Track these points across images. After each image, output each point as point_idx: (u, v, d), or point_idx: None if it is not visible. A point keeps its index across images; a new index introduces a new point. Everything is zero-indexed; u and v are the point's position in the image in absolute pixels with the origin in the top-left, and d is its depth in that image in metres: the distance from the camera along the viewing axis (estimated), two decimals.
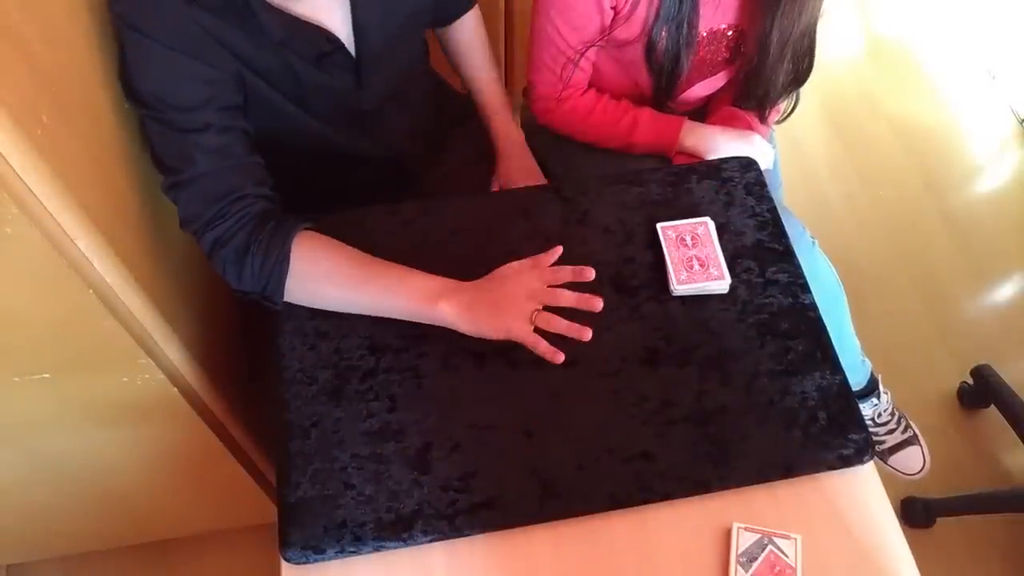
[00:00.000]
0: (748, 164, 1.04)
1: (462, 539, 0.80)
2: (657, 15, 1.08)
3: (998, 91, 2.24)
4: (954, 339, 1.80)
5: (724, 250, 0.94)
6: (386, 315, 0.89)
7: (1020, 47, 2.34)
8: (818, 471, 0.83)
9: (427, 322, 0.88)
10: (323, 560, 0.79)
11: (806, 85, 1.23)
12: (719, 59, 1.19)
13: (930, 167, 2.08)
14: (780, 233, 0.98)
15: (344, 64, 0.94)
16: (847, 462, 0.83)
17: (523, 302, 0.85)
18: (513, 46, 1.72)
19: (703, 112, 1.32)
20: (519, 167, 1.22)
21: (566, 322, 0.84)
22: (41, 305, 0.76)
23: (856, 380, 1.48)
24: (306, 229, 0.89)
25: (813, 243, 1.24)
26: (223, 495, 1.28)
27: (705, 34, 1.14)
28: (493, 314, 0.84)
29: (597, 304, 0.85)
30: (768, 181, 1.04)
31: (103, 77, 0.81)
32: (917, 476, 1.57)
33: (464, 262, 0.94)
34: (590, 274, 0.87)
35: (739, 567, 0.78)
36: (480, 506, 0.80)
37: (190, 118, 0.82)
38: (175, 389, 0.94)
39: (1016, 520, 1.58)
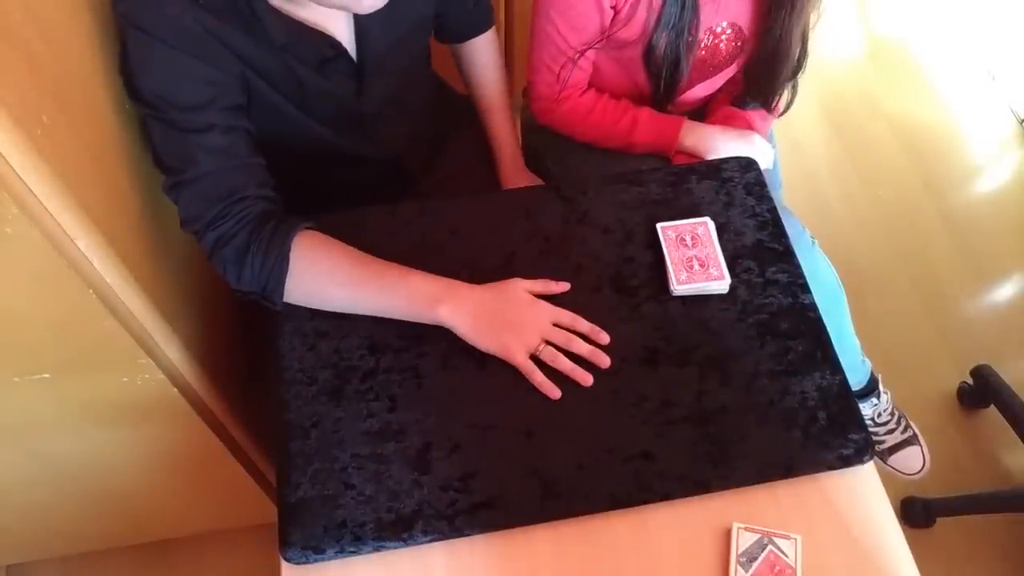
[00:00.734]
0: (748, 164, 1.04)
1: (462, 539, 0.80)
2: (657, 20, 1.08)
3: (998, 91, 2.24)
4: (954, 339, 1.80)
5: (724, 250, 0.94)
6: (386, 315, 0.89)
7: (1020, 47, 2.34)
8: (818, 471, 0.83)
9: (426, 323, 0.88)
10: (323, 560, 0.79)
11: (806, 86, 1.23)
12: (718, 59, 1.19)
13: (930, 167, 2.08)
14: (780, 233, 0.98)
15: (346, 70, 0.94)
16: (847, 462, 0.83)
17: (530, 333, 0.86)
18: (513, 46, 1.72)
19: (702, 112, 1.32)
20: (516, 182, 1.25)
21: (571, 363, 0.86)
22: (41, 305, 0.76)
23: (856, 380, 1.48)
24: (306, 229, 0.89)
25: (813, 243, 1.24)
26: (223, 495, 1.28)
27: (704, 35, 1.14)
28: (496, 332, 0.86)
29: (605, 362, 0.87)
30: (768, 181, 1.04)
31: (103, 77, 0.81)
32: (917, 476, 1.57)
33: (464, 262, 0.94)
34: (605, 338, 0.89)
35: (739, 567, 0.78)
36: (480, 506, 0.80)
37: (193, 118, 0.82)
38: (175, 389, 0.94)
39: (1016, 520, 1.58)
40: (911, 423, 1.60)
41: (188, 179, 0.84)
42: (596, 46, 1.14)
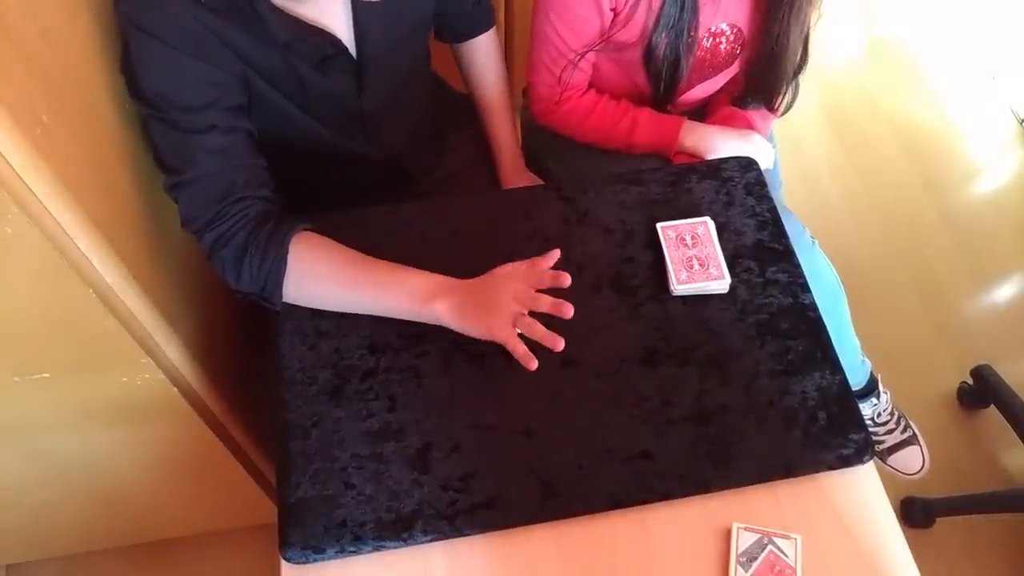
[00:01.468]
0: (748, 164, 1.04)
1: (462, 539, 0.80)
2: (657, 21, 1.08)
3: (998, 91, 2.24)
4: (954, 339, 1.80)
5: (724, 250, 0.94)
6: (383, 314, 0.89)
7: (1020, 47, 2.34)
8: (818, 471, 0.83)
9: (424, 321, 0.88)
10: (323, 560, 0.79)
11: (806, 86, 1.23)
12: (718, 60, 1.19)
13: (930, 167, 2.08)
14: (780, 233, 0.98)
15: (346, 68, 0.95)
16: (847, 462, 0.83)
17: (509, 304, 0.86)
18: (513, 46, 1.72)
19: (702, 112, 1.32)
20: (516, 182, 1.24)
21: (543, 330, 0.85)
22: (41, 305, 0.76)
23: (856, 380, 1.48)
24: (305, 230, 0.89)
25: (813, 243, 1.24)
26: (223, 495, 1.28)
27: (704, 36, 1.14)
28: (479, 315, 0.86)
29: (568, 311, 0.85)
30: (768, 181, 1.04)
31: (103, 77, 0.81)
32: (917, 476, 1.57)
33: (464, 262, 0.94)
34: (566, 280, 0.87)
35: (739, 567, 0.78)
36: (480, 506, 0.80)
37: (194, 118, 0.82)
38: (175, 389, 0.94)
39: (1016, 520, 1.58)
40: (911, 423, 1.60)
41: (188, 179, 0.84)
42: (596, 48, 1.14)
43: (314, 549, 0.79)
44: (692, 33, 1.10)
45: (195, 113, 0.82)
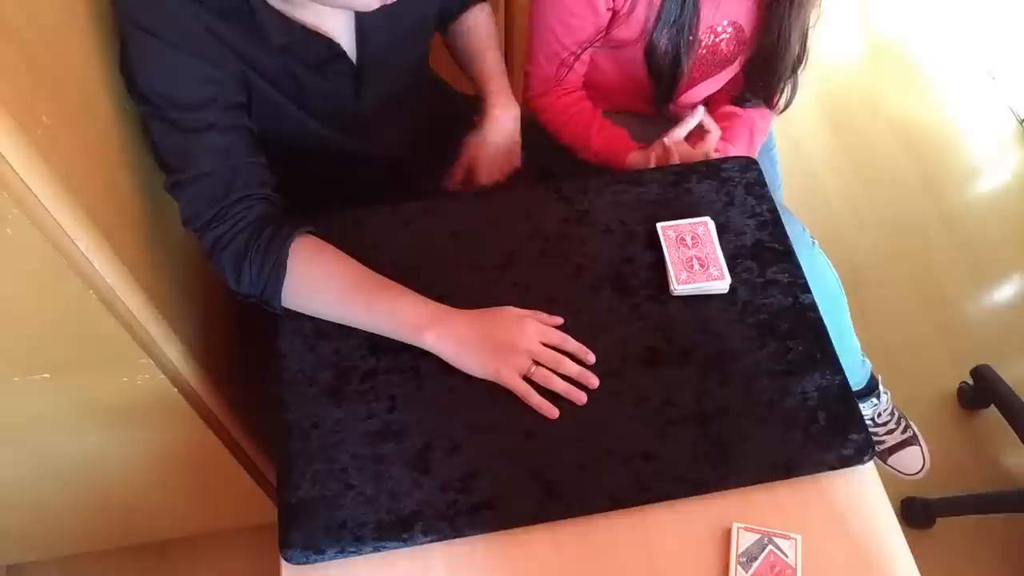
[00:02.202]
0: (748, 164, 1.04)
1: (462, 539, 0.80)
2: (657, 18, 1.08)
3: (998, 91, 2.24)
4: (954, 339, 1.80)
5: (724, 250, 0.94)
6: (375, 332, 0.89)
7: (1020, 47, 2.34)
8: (818, 471, 0.83)
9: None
10: (323, 560, 0.79)
11: (806, 86, 1.23)
12: (719, 57, 1.19)
13: (930, 167, 2.08)
14: (780, 233, 0.98)
15: (345, 71, 0.94)
16: (847, 462, 0.83)
17: (519, 355, 0.85)
18: (513, 44, 1.72)
19: None
20: (491, 147, 1.13)
21: (564, 384, 0.85)
22: (41, 305, 0.76)
23: (856, 380, 1.48)
24: (305, 234, 0.89)
25: (813, 243, 1.24)
26: (223, 495, 1.28)
27: (705, 33, 1.14)
28: (485, 357, 0.85)
29: (593, 382, 0.86)
30: (768, 181, 1.04)
31: (103, 77, 0.81)
32: (917, 476, 1.57)
33: (464, 262, 0.94)
34: (591, 358, 0.88)
35: (739, 567, 0.78)
36: (480, 506, 0.80)
37: (193, 117, 0.82)
38: (175, 389, 0.94)
39: (1016, 520, 1.58)
40: (911, 423, 1.60)
41: (188, 178, 0.84)
42: (592, 46, 1.14)
43: (314, 549, 0.79)
44: (693, 30, 1.10)
45: (194, 111, 0.82)
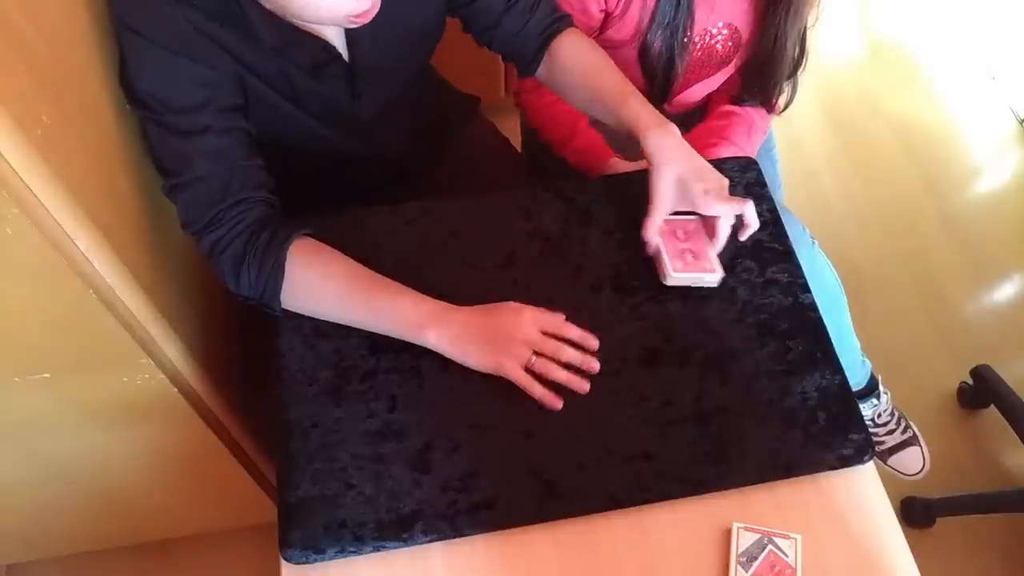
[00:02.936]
0: (748, 164, 1.04)
1: (462, 539, 0.80)
2: (651, 19, 1.08)
3: (998, 91, 2.24)
4: (954, 339, 1.80)
5: (725, 250, 0.94)
6: (375, 332, 0.89)
7: (1020, 47, 2.34)
8: (818, 471, 0.83)
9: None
10: (323, 560, 0.79)
11: (806, 85, 1.23)
12: (715, 60, 1.19)
13: (930, 167, 2.08)
14: (780, 233, 0.98)
15: (340, 74, 0.94)
16: (847, 462, 0.83)
17: (520, 346, 0.85)
18: None
19: (702, 112, 1.32)
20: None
21: (566, 373, 0.85)
22: (41, 305, 0.76)
23: (856, 380, 1.48)
24: (303, 236, 0.88)
25: (813, 243, 1.24)
26: (223, 495, 1.28)
27: (699, 36, 1.14)
28: (485, 350, 0.85)
29: (595, 367, 0.86)
30: (768, 181, 1.04)
31: (103, 77, 0.81)
32: (917, 476, 1.57)
33: (464, 262, 0.94)
34: (594, 343, 0.88)
35: (739, 567, 0.78)
36: (480, 506, 0.80)
37: (188, 120, 0.82)
38: (175, 389, 0.94)
39: (1016, 520, 1.58)
40: (911, 423, 1.60)
41: (185, 182, 0.83)
42: None
43: (314, 549, 0.79)
44: (687, 32, 1.10)
45: (189, 115, 0.82)
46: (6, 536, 1.27)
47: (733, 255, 0.95)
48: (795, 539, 0.79)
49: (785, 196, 1.40)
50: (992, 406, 1.64)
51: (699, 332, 0.91)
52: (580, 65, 0.99)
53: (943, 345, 1.79)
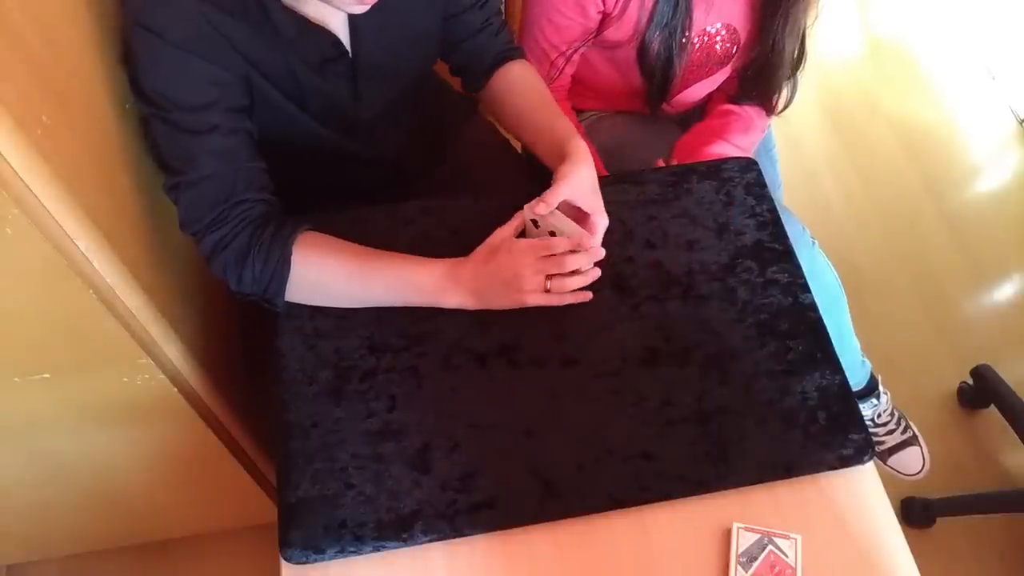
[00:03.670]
0: (748, 164, 1.04)
1: (462, 539, 0.80)
2: (650, 20, 1.08)
3: (998, 91, 2.24)
4: (954, 339, 1.80)
5: (724, 250, 0.94)
6: (390, 305, 0.91)
7: (1020, 47, 2.34)
8: (818, 471, 0.83)
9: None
10: (323, 560, 0.79)
11: (806, 85, 1.23)
12: (713, 60, 1.19)
13: (930, 167, 2.08)
14: (780, 233, 0.98)
15: (344, 72, 0.94)
16: (847, 462, 0.83)
17: (531, 277, 0.89)
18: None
19: (701, 112, 1.32)
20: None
21: (578, 277, 0.90)
22: (41, 305, 0.76)
23: (856, 380, 1.48)
24: (306, 231, 0.89)
25: (813, 243, 1.24)
26: (223, 495, 1.28)
27: (697, 37, 1.14)
28: (504, 292, 0.89)
29: (595, 273, 0.91)
30: (768, 181, 1.04)
31: (103, 77, 0.81)
32: (917, 476, 1.57)
33: None
34: (588, 242, 0.90)
35: (739, 567, 0.78)
36: (480, 506, 0.80)
37: (197, 119, 0.82)
38: (175, 389, 0.94)
39: (1016, 520, 1.58)
40: (911, 424, 1.60)
41: (189, 180, 0.84)
42: (586, 46, 1.15)
43: (314, 549, 0.79)
44: (685, 33, 1.10)
45: (197, 113, 0.82)
46: (6, 536, 1.27)
47: (733, 255, 0.95)
48: (795, 539, 0.79)
49: (785, 196, 1.40)
50: (992, 406, 1.64)
51: (699, 332, 0.91)
52: (523, 89, 1.05)
53: (943, 345, 1.79)
